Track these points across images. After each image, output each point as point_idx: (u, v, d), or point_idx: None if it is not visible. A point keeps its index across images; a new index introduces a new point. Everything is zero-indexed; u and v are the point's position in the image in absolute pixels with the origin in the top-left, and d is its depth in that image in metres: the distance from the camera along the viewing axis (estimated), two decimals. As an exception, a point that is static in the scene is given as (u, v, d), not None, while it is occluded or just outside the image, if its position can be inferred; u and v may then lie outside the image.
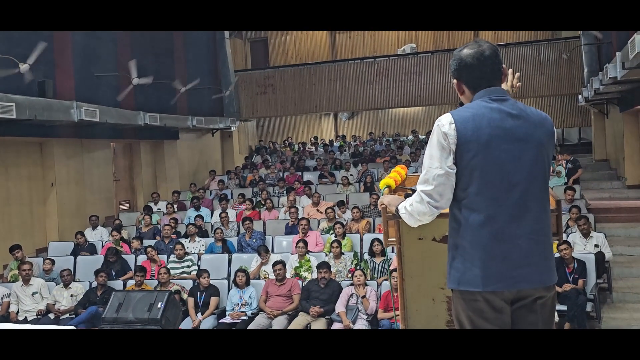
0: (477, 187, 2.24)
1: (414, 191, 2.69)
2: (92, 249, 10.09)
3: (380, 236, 8.59)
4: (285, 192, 12.93)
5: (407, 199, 2.47)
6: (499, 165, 2.24)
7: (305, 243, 8.54)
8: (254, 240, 9.57)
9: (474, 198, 2.25)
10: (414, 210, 2.35)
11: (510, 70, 2.63)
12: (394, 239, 2.81)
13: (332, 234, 9.22)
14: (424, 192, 2.30)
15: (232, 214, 11.44)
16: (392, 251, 8.06)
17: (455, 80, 2.42)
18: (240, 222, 10.43)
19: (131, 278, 8.54)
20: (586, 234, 8.25)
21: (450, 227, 2.35)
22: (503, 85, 2.43)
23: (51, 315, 7.96)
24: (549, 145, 2.34)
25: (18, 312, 8.02)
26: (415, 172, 4.06)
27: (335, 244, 8.35)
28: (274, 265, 7.78)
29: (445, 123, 2.28)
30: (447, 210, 2.37)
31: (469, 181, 2.25)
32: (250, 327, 7.24)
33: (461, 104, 2.43)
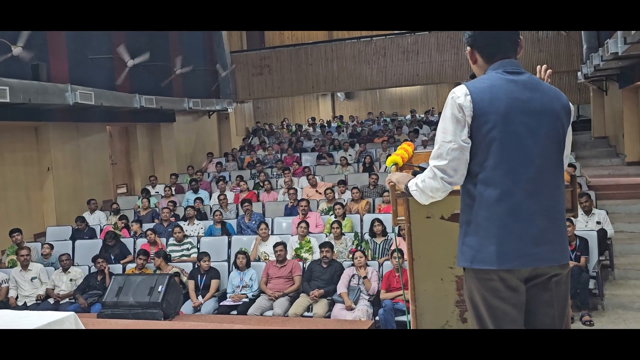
0: (495, 160, 2.15)
1: (421, 168, 2.61)
2: (91, 233, 10.02)
3: (380, 216, 8.54)
4: (282, 173, 12.86)
5: (416, 176, 2.38)
6: (517, 138, 2.15)
7: (307, 224, 8.48)
8: (254, 222, 9.50)
9: (491, 172, 2.16)
10: (427, 186, 2.26)
11: (544, 67, 2.59)
12: (402, 218, 2.74)
13: (331, 214, 9.16)
14: (437, 168, 2.21)
15: (230, 196, 11.36)
16: (392, 231, 8.01)
17: (469, 48, 2.32)
18: (239, 204, 10.37)
19: (131, 262, 8.48)
20: (588, 211, 8.20)
21: (463, 203, 2.27)
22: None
23: (51, 300, 7.91)
24: (565, 119, 2.26)
25: (17, 297, 7.98)
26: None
27: (335, 225, 8.29)
28: (274, 246, 7.73)
29: (460, 94, 2.18)
30: (457, 187, 2.29)
31: (487, 154, 2.16)
32: (252, 309, 7.20)
33: (472, 77, 2.35)
